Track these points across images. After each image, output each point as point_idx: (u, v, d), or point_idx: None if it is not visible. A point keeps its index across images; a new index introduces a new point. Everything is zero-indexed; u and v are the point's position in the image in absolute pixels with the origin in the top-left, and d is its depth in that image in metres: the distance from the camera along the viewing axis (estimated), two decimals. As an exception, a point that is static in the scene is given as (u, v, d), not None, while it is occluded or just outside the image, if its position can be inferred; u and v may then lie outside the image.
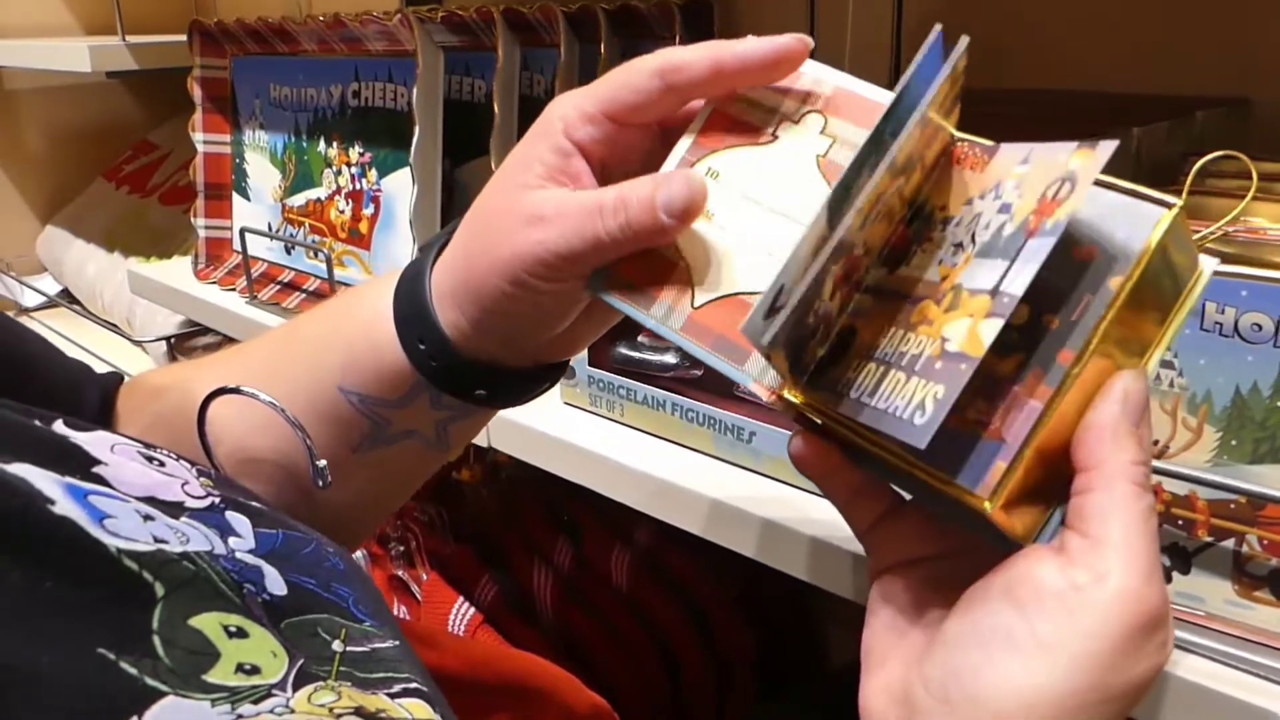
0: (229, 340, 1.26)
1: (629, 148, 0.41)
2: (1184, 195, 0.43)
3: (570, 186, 0.40)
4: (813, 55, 1.00)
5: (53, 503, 0.29)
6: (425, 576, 1.04)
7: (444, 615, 0.99)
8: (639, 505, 0.66)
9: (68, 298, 1.57)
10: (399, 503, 0.56)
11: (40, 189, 1.68)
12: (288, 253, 1.02)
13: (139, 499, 0.33)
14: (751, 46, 0.39)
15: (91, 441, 0.35)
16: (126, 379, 0.52)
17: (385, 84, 0.90)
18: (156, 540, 0.31)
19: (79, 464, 0.33)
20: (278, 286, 1.01)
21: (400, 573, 1.06)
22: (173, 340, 1.28)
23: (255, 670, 0.29)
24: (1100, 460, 0.32)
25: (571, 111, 0.40)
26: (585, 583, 1.03)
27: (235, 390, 0.45)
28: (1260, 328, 0.42)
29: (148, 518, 0.32)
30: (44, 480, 0.30)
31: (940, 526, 0.40)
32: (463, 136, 0.87)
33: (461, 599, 1.00)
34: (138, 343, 1.34)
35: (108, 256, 1.48)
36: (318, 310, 0.50)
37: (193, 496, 0.36)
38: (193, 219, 1.09)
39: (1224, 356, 0.43)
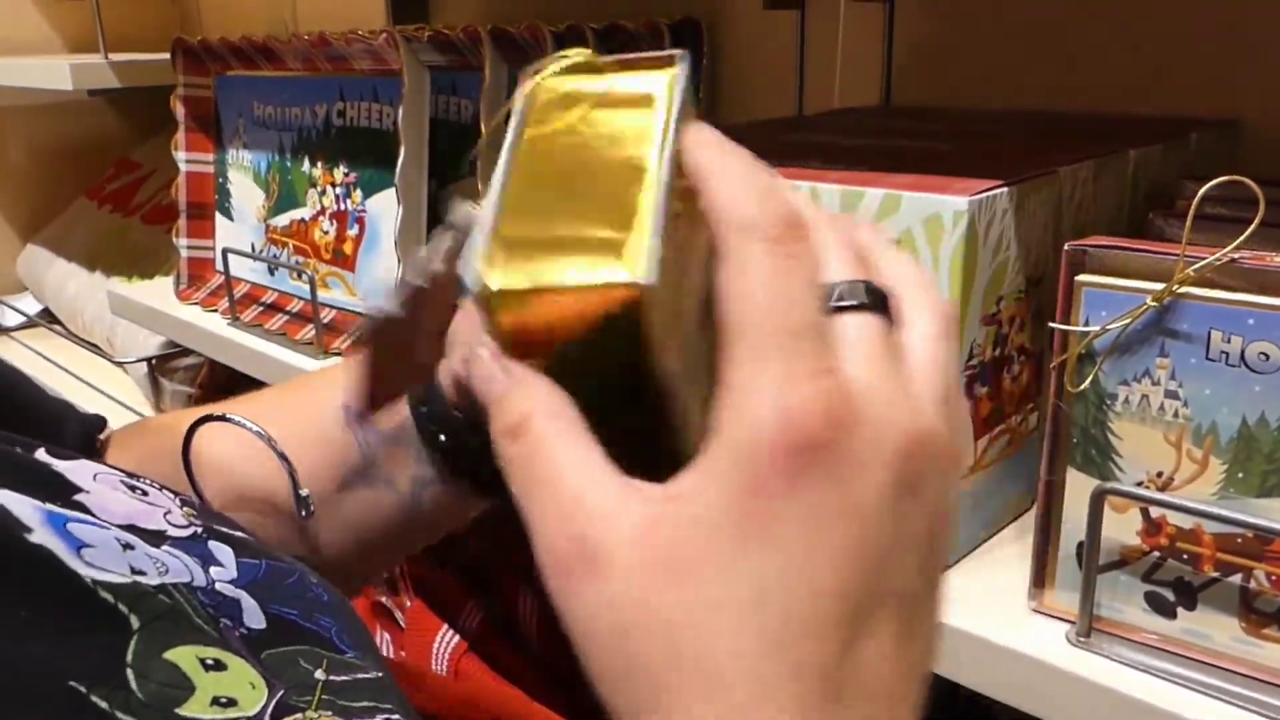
0: (212, 362, 1.24)
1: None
2: (1188, 221, 0.42)
3: None
4: (802, 76, 0.99)
5: (30, 531, 0.29)
6: (409, 603, 1.03)
7: (428, 642, 0.97)
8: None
9: (48, 317, 1.55)
10: (377, 566, 0.56)
11: (21, 207, 1.66)
12: (271, 274, 1.00)
13: (120, 526, 0.32)
14: None
15: (73, 469, 0.35)
16: (109, 425, 0.51)
17: (370, 103, 0.89)
18: (134, 571, 0.30)
19: (59, 491, 0.33)
20: (261, 308, 0.99)
21: (383, 599, 1.04)
22: (154, 361, 1.26)
23: (232, 703, 0.28)
24: None
25: None
26: (573, 609, 1.01)
27: (221, 418, 0.44)
28: (1268, 357, 0.41)
29: (127, 546, 0.31)
30: (23, 506, 0.29)
31: None
32: (450, 157, 0.86)
33: (446, 626, 0.98)
34: (118, 363, 1.32)
35: (89, 276, 1.46)
36: None
37: (175, 525, 0.35)
38: (174, 239, 1.08)
39: (1230, 387, 0.42)
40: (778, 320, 0.25)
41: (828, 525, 0.24)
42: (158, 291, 1.11)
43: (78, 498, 0.33)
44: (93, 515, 0.32)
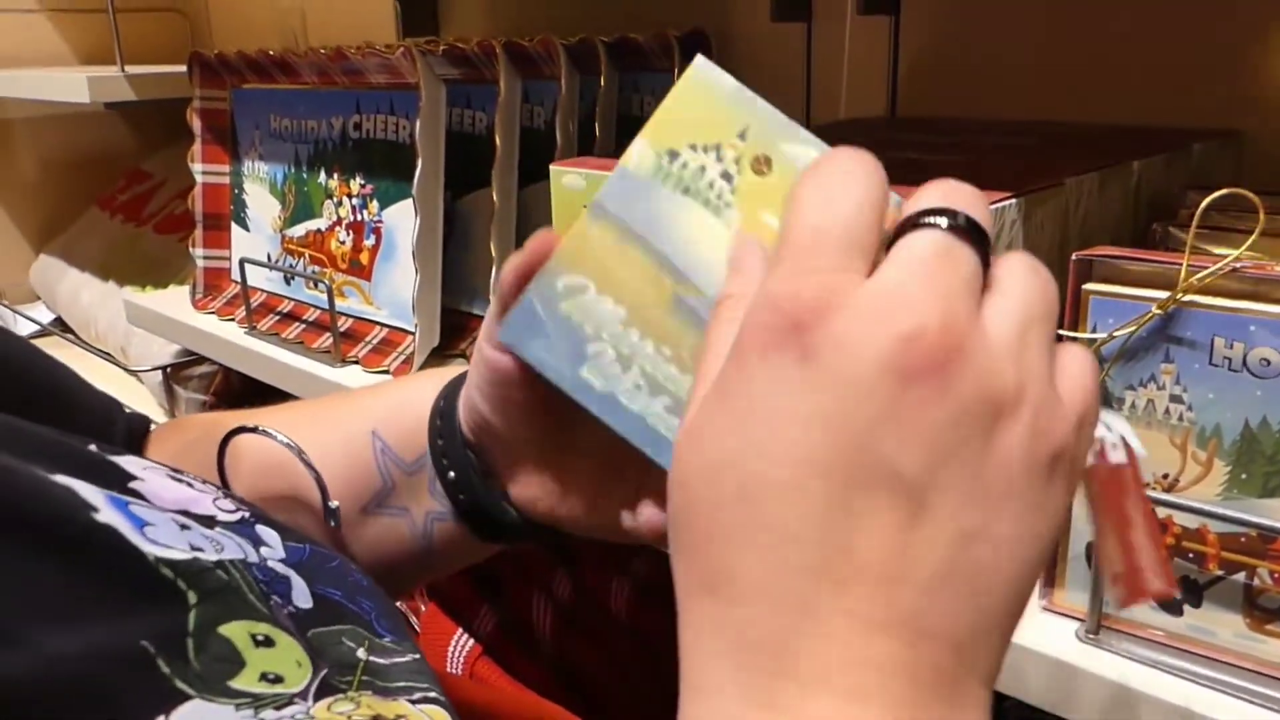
0: (226, 371, 1.26)
1: None
2: (1191, 231, 0.44)
3: None
4: (809, 87, 1.00)
5: (96, 510, 0.30)
6: (424, 607, 1.04)
7: (444, 646, 0.98)
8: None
9: (61, 326, 1.57)
10: (394, 589, 0.57)
11: (33, 217, 1.68)
12: (287, 283, 1.02)
13: (173, 511, 0.34)
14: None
15: (124, 461, 0.36)
16: (154, 423, 0.52)
17: (387, 116, 0.90)
18: (193, 548, 0.32)
19: (116, 479, 0.34)
20: (277, 317, 1.01)
21: (398, 603, 1.05)
22: (168, 370, 1.27)
23: (279, 679, 0.30)
24: None
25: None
26: (585, 613, 1.03)
27: (254, 429, 0.45)
28: (1269, 363, 0.42)
29: (184, 527, 0.33)
30: (86, 490, 0.31)
31: None
32: (463, 168, 0.87)
33: (460, 630, 0.99)
34: (133, 372, 1.33)
35: (101, 285, 1.48)
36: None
37: (224, 510, 0.37)
38: (191, 249, 1.09)
39: (1233, 391, 0.43)
40: (807, 225, 0.28)
41: (794, 395, 0.26)
42: (173, 301, 1.13)
43: (132, 485, 0.35)
44: (147, 500, 0.34)
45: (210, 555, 0.32)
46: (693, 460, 0.28)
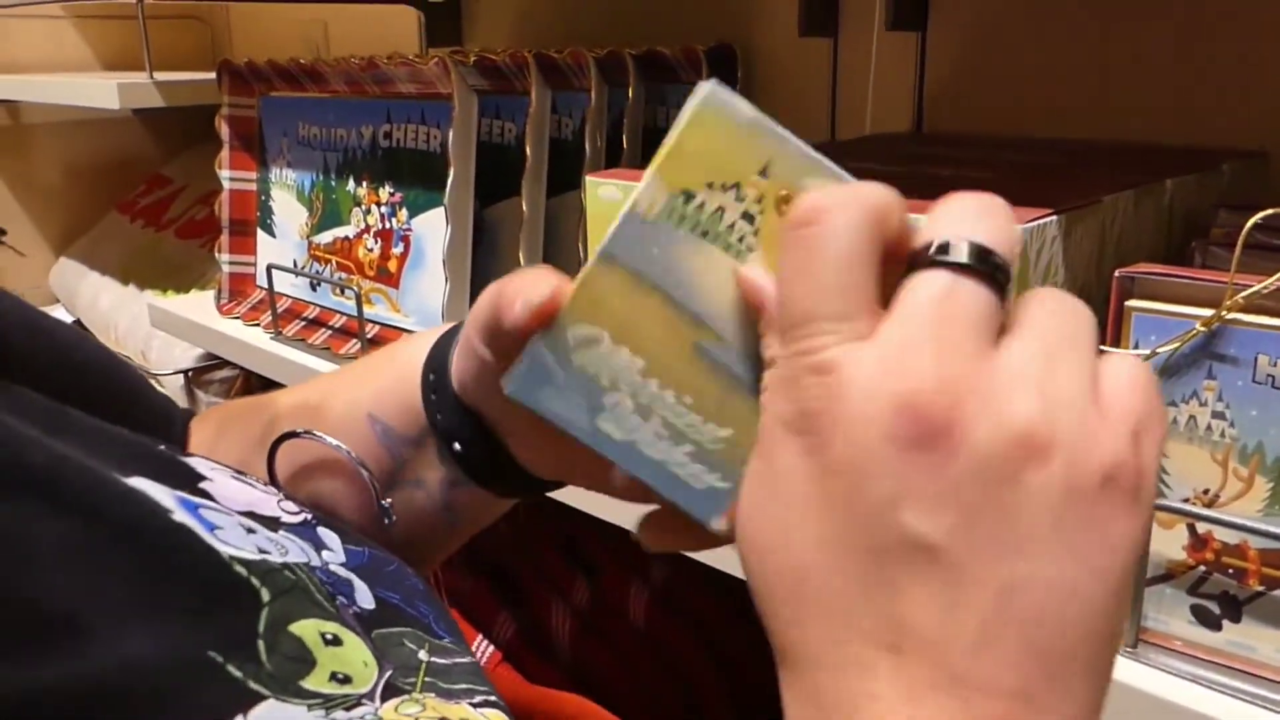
0: (247, 374, 1.26)
1: None
2: (1237, 251, 0.44)
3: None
4: (834, 102, 1.01)
5: (170, 512, 0.31)
6: (444, 613, 1.04)
7: (464, 653, 0.99)
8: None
9: (80, 329, 1.57)
10: (426, 561, 0.56)
11: (54, 221, 1.69)
12: (313, 289, 1.02)
13: (240, 513, 0.34)
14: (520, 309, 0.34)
15: (194, 462, 0.37)
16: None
17: (418, 125, 0.91)
18: (260, 551, 0.32)
19: (188, 479, 0.35)
20: (302, 323, 1.01)
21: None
22: (189, 374, 1.28)
23: (347, 680, 0.30)
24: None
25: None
26: (603, 620, 1.03)
27: (305, 433, 0.46)
28: (1312, 381, 0.43)
29: (250, 530, 0.33)
30: (160, 492, 0.32)
31: None
32: (492, 177, 0.88)
33: (481, 636, 1.00)
34: (154, 375, 1.34)
35: (122, 289, 1.49)
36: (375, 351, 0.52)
37: (287, 512, 0.38)
38: (217, 254, 1.10)
39: (1276, 408, 0.44)
40: (794, 300, 0.28)
41: (811, 482, 0.26)
42: (197, 305, 1.13)
43: (202, 485, 0.35)
44: (216, 502, 0.34)
45: (276, 557, 0.33)
46: (746, 542, 0.29)
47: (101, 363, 0.47)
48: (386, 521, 0.46)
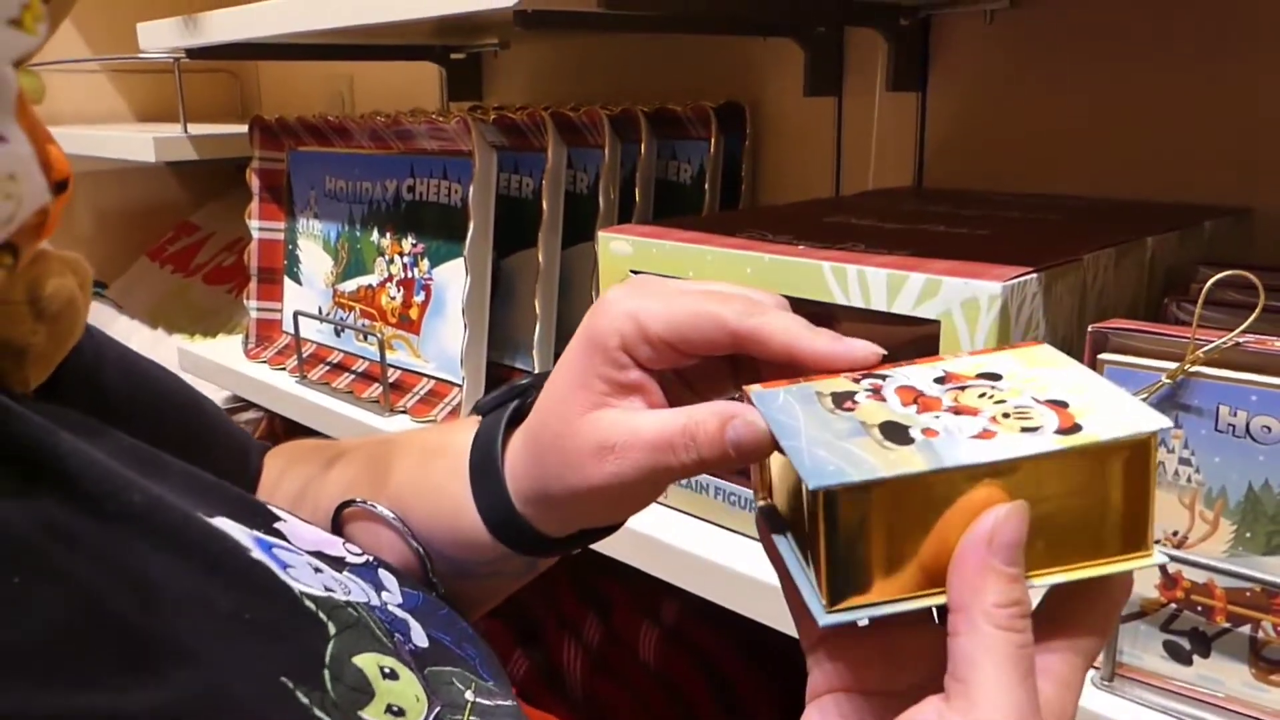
0: (272, 416, 1.30)
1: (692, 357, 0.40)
2: (1198, 308, 0.48)
3: (635, 399, 0.39)
4: (839, 158, 1.05)
5: (249, 550, 0.34)
6: (459, 650, 1.07)
7: (478, 689, 1.01)
8: (678, 581, 0.70)
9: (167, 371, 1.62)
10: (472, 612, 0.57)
11: (86, 266, 1.74)
12: (337, 335, 1.07)
13: (309, 553, 0.38)
14: (827, 350, 0.36)
15: (271, 505, 0.41)
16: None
17: (440, 180, 0.96)
18: (326, 589, 0.36)
19: (264, 520, 0.38)
20: (327, 367, 1.06)
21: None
22: (216, 415, 1.32)
23: (401, 712, 0.33)
24: (964, 603, 0.31)
25: (631, 329, 0.38)
26: (615, 658, 1.06)
27: (364, 504, 0.47)
28: (1270, 430, 0.46)
29: (317, 569, 0.37)
30: (239, 532, 0.35)
31: (893, 659, 0.36)
32: (509, 229, 0.93)
33: (495, 673, 1.03)
34: (180, 417, 1.38)
35: (151, 332, 1.53)
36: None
37: (351, 554, 0.41)
38: (245, 301, 1.15)
39: (1237, 456, 0.47)
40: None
41: None
42: (225, 350, 1.18)
43: (277, 525, 0.39)
44: (288, 542, 0.38)
45: (340, 596, 0.36)
46: None
47: (187, 404, 0.50)
48: (435, 594, 0.49)
